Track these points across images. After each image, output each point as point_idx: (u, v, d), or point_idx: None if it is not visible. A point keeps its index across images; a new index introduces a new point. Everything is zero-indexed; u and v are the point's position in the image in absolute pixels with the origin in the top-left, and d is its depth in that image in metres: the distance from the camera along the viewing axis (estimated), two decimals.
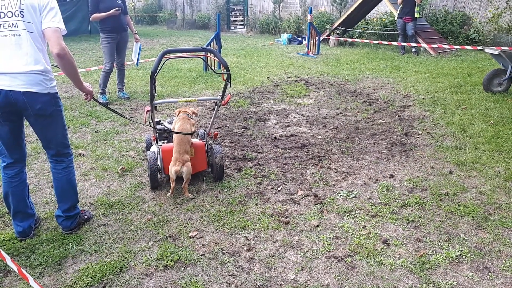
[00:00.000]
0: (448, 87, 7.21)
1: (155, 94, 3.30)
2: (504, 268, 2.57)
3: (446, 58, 10.30)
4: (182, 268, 2.58)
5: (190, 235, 2.92)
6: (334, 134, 5.06)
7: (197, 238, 2.89)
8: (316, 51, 11.34)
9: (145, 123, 3.71)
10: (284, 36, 14.30)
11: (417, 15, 10.76)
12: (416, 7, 10.56)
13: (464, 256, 2.69)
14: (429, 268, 2.58)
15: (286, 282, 2.44)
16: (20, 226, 2.81)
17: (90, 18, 6.12)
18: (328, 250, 2.75)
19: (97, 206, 3.32)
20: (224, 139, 4.88)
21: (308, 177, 3.89)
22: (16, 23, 2.45)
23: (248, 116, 5.83)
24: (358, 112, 5.99)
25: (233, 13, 20.65)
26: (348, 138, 4.91)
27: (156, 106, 3.52)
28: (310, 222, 3.11)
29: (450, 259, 2.66)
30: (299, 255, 2.71)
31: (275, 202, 3.41)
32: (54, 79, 2.67)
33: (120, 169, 3.99)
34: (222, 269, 2.57)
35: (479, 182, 3.71)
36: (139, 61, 7.04)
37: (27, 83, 2.47)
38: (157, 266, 2.59)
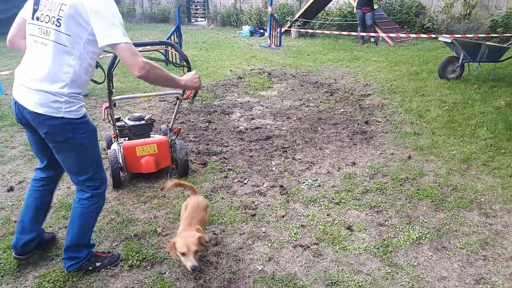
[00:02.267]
0: (405, 75, 7.45)
1: (113, 90, 3.21)
2: (460, 246, 2.70)
3: (403, 47, 10.62)
4: (149, 267, 2.54)
5: (156, 233, 2.88)
6: (298, 125, 5.12)
7: (163, 235, 2.86)
8: (278, 43, 11.38)
9: (104, 120, 3.60)
10: (246, 29, 14.26)
11: (375, 6, 11.02)
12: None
13: (423, 237, 2.80)
14: (391, 250, 2.67)
15: (254, 274, 2.46)
16: (13, 244, 2.47)
17: None
18: (295, 239, 2.79)
19: (57, 208, 3.21)
20: (188, 134, 4.83)
21: (274, 169, 3.92)
22: (49, 31, 2.02)
23: (212, 109, 5.79)
24: (320, 102, 6.08)
25: (193, 6, 20.36)
26: (311, 129, 4.98)
27: (115, 103, 3.42)
28: (276, 212, 3.14)
29: (411, 241, 2.76)
30: (267, 246, 2.73)
31: (242, 195, 3.42)
32: (77, 102, 2.14)
33: None
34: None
35: (436, 166, 3.87)
36: None
37: (36, 102, 2.07)
38: (123, 266, 2.54)
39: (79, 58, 2.06)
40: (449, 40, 6.82)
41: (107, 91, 3.19)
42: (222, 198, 3.35)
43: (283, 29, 12.43)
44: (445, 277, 2.43)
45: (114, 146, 3.68)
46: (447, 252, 2.66)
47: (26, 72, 2.12)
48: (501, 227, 2.91)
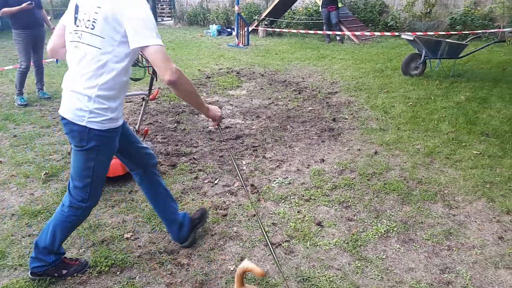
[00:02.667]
0: (371, 72, 7.63)
1: None
2: (426, 238, 2.79)
3: (368, 45, 10.87)
4: (118, 272, 2.48)
5: (125, 237, 2.82)
6: (267, 124, 5.14)
7: (132, 240, 2.80)
8: (246, 42, 11.38)
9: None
10: (214, 28, 14.17)
11: (339, 4, 11.22)
12: None
13: (391, 231, 2.88)
14: (360, 245, 2.73)
15: (226, 274, 2.45)
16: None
17: None
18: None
19: (19, 216, 3.08)
20: (156, 135, 4.75)
21: (244, 168, 3.92)
22: (81, 34, 2.01)
23: (181, 110, 5.72)
24: (289, 101, 6.13)
25: (159, 5, 20.03)
26: (280, 127, 5.01)
27: None
28: (247, 211, 3.14)
29: (379, 235, 2.83)
30: (238, 246, 2.73)
31: (213, 196, 3.40)
32: (105, 115, 2.07)
33: (44, 174, 3.72)
34: (160, 269, 2.51)
35: (402, 160, 3.98)
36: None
37: (70, 110, 2.07)
38: (91, 273, 2.47)
39: (112, 60, 2.01)
40: (411, 38, 7.03)
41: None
42: (193, 200, 3.32)
43: (250, 28, 12.44)
44: (413, 268, 2.50)
45: None
46: (414, 244, 2.74)
47: (70, 77, 2.10)
48: (464, 218, 3.03)
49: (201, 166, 3.93)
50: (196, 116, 5.47)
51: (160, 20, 19.74)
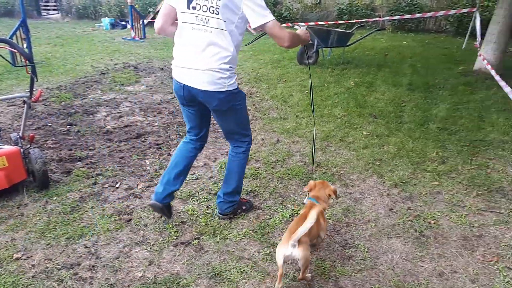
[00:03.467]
0: (269, 63, 7.86)
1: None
2: (327, 217, 2.96)
3: (265, 36, 11.14)
4: None
5: (14, 257, 2.52)
6: (171, 119, 5.00)
7: (24, 259, 2.51)
8: (142, 35, 10.92)
9: None
10: (106, 21, 13.34)
11: None
12: None
13: (296, 214, 3.01)
14: (268, 232, 2.81)
15: (134, 282, 2.34)
16: (158, 191, 2.78)
17: None
18: (175, 238, 2.74)
19: None
20: (47, 140, 4.32)
21: (148, 168, 3.77)
22: (208, 19, 2.32)
23: (73, 110, 5.28)
24: None
25: None
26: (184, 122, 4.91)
27: None
28: (154, 213, 3.02)
29: (285, 220, 2.94)
30: (146, 250, 2.62)
31: (114, 201, 3.21)
32: (234, 75, 2.51)
33: None
34: (59, 287, 2.30)
35: (302, 146, 4.18)
36: None
37: (204, 81, 2.41)
38: None
39: (232, 39, 2.38)
40: (304, 28, 7.39)
41: None
42: (92, 207, 3.09)
43: (146, 21, 11.96)
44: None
45: None
46: None
47: (189, 56, 2.42)
48: (359, 195, 3.29)
49: (99, 170, 3.68)
50: (91, 116, 5.10)
51: (45, 14, 17.96)
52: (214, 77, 2.40)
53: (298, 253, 2.10)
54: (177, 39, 2.50)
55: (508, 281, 2.35)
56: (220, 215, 2.94)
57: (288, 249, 2.10)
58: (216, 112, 2.62)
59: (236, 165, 2.84)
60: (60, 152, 4.04)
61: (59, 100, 5.67)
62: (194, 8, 2.34)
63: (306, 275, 2.28)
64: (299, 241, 2.10)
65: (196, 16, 2.34)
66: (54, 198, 3.20)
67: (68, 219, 2.93)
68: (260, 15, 2.32)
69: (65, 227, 2.84)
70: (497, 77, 5.07)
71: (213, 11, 2.30)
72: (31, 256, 2.55)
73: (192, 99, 2.55)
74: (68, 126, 4.74)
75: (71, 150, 4.09)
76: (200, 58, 2.38)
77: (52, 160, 3.84)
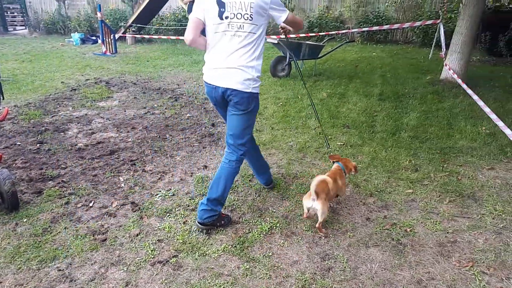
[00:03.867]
0: None
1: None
2: (305, 229, 2.98)
3: None
4: None
5: None
6: (145, 135, 4.93)
7: None
8: (113, 50, 10.78)
9: None
10: (76, 36, 13.11)
11: None
12: None
13: (274, 227, 3.00)
14: (248, 246, 2.79)
15: None
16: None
17: None
18: (152, 256, 2.68)
19: None
20: (15, 160, 4.17)
21: (123, 185, 3.69)
22: (242, 25, 2.67)
23: (43, 128, 5.13)
24: (166, 109, 5.99)
25: (9, 12, 17.74)
26: (159, 137, 4.85)
27: None
28: (130, 232, 2.95)
29: (264, 233, 2.93)
30: (122, 271, 2.54)
31: (88, 220, 3.11)
32: (259, 81, 2.83)
33: None
34: None
35: (278, 158, 4.20)
36: None
37: (235, 80, 2.72)
38: None
39: (260, 40, 2.76)
40: (276, 41, 7.48)
41: None
42: (65, 228, 2.99)
43: (117, 35, 11.84)
44: (297, 260, 2.65)
45: None
46: (296, 236, 2.90)
47: (221, 58, 2.74)
48: (336, 205, 3.32)
49: (72, 189, 3.57)
50: (62, 133, 4.97)
51: (12, 29, 17.51)
52: (242, 77, 2.72)
53: (317, 205, 2.79)
54: (209, 47, 2.81)
55: (484, 285, 2.41)
56: (198, 225, 2.92)
57: (309, 202, 2.82)
58: (234, 109, 2.85)
59: (226, 172, 2.95)
60: (30, 171, 3.90)
61: (28, 118, 5.50)
62: (227, 17, 2.67)
63: (323, 229, 2.90)
64: (318, 197, 2.77)
65: (229, 24, 2.67)
66: (25, 220, 3.08)
67: (39, 241, 2.82)
68: (282, 11, 2.80)
69: (36, 250, 2.73)
70: (464, 86, 5.27)
71: (247, 17, 2.66)
72: (0, 282, 2.43)
73: (222, 99, 2.86)
74: (38, 145, 4.59)
75: (41, 169, 3.96)
76: (231, 58, 2.71)
77: (22, 180, 3.70)
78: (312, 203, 2.79)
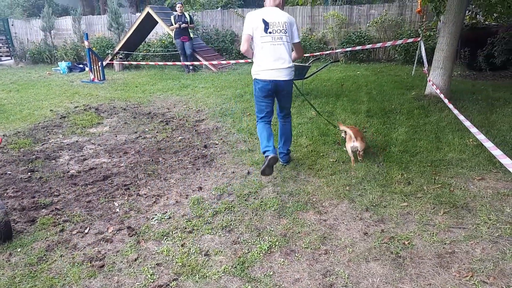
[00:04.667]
0: (232, 98, 7.98)
1: None
2: (305, 246, 2.98)
3: (225, 73, 11.37)
4: None
5: None
6: (137, 159, 4.92)
7: None
8: (101, 77, 10.81)
9: None
10: (63, 65, 13.12)
11: (191, 35, 11.56)
12: (188, 29, 11.40)
13: (273, 246, 3.00)
14: (248, 266, 2.77)
15: None
16: (268, 147, 3.99)
17: None
18: (152, 281, 2.64)
19: None
20: (7, 190, 4.11)
21: (118, 210, 3.65)
22: (282, 37, 3.91)
23: (34, 156, 5.08)
24: (157, 132, 6.00)
25: None
26: (152, 160, 4.84)
27: None
28: (127, 257, 2.91)
29: (264, 252, 2.92)
30: None
31: (84, 247, 3.07)
32: (293, 67, 4.12)
33: None
34: None
35: (272, 176, 4.22)
36: None
37: (286, 75, 3.98)
38: None
39: (290, 47, 4.02)
40: None
41: None
42: (61, 256, 2.94)
43: (104, 63, 11.90)
44: (298, 278, 2.64)
45: None
46: (296, 254, 2.90)
47: (273, 61, 3.91)
48: (333, 221, 3.34)
49: (66, 216, 3.52)
50: (54, 161, 4.92)
51: None
52: (289, 71, 3.99)
53: (358, 144, 4.24)
54: (258, 54, 3.95)
55: None
56: (285, 164, 4.49)
57: (351, 143, 4.25)
58: (284, 92, 4.10)
59: (289, 127, 4.40)
60: (22, 200, 3.84)
61: (18, 147, 5.44)
62: (270, 32, 3.88)
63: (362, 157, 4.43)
64: (357, 138, 4.24)
65: (272, 37, 3.89)
66: (19, 250, 3.02)
67: (35, 271, 2.76)
68: (299, 35, 4.11)
69: (32, 280, 2.67)
70: (445, 100, 5.41)
71: (285, 32, 3.92)
72: None
73: (275, 89, 4.01)
74: (29, 173, 4.54)
75: (34, 197, 3.90)
76: (281, 61, 3.91)
77: (14, 209, 3.64)
78: (353, 143, 4.22)
